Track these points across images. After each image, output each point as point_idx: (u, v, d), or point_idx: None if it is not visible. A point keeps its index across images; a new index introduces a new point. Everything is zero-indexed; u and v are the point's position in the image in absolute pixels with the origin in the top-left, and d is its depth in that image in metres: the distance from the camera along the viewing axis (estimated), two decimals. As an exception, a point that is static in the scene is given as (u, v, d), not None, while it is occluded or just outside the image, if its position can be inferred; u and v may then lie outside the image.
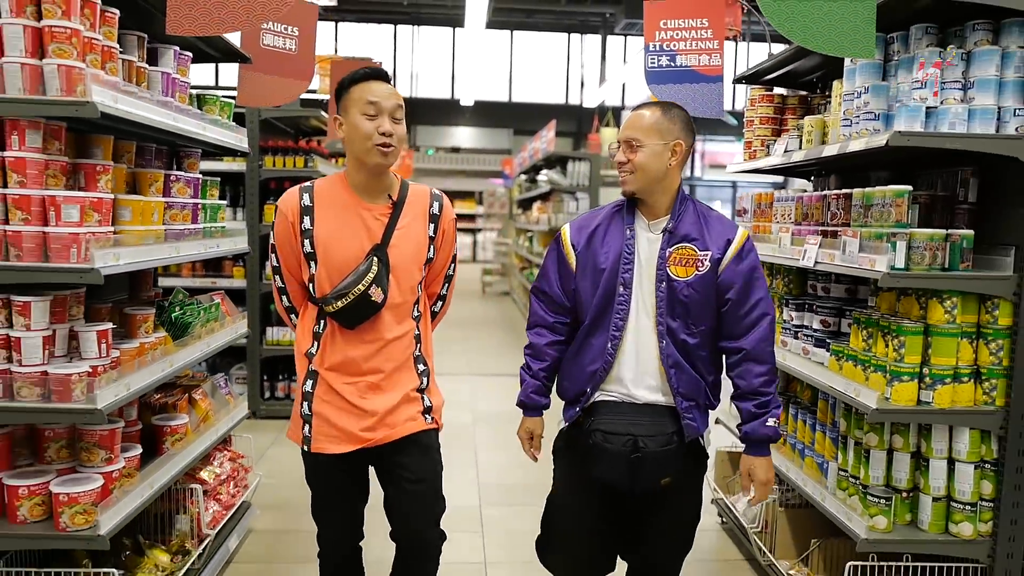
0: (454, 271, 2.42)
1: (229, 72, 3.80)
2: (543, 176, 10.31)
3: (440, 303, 2.43)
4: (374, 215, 2.17)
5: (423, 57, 17.72)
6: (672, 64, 3.78)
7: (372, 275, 2.10)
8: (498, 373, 7.54)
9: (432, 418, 2.28)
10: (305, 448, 2.21)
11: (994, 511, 2.46)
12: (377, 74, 2.14)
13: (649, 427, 2.09)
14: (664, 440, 2.08)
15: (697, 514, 2.28)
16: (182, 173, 2.91)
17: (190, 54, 2.96)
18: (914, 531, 2.52)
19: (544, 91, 18.15)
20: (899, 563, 2.60)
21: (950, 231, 2.42)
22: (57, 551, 2.54)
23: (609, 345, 2.14)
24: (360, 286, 2.08)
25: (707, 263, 2.11)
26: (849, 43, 2.28)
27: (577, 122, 18.23)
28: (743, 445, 2.21)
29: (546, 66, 18.11)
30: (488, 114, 18.10)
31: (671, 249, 2.12)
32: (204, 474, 3.19)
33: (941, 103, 2.39)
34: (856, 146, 2.54)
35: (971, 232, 2.43)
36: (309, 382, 2.20)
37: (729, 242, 2.12)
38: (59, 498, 2.21)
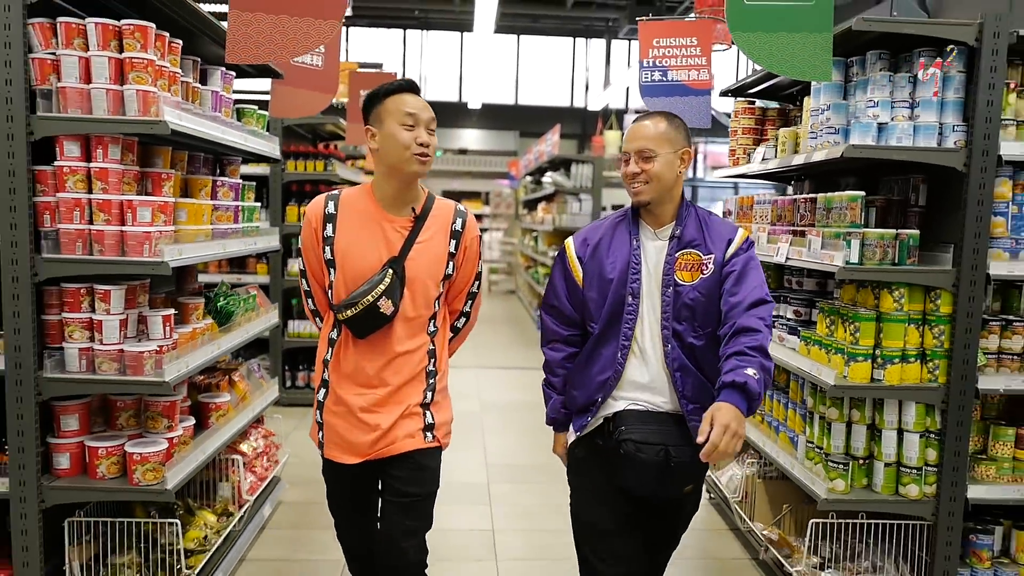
0: (479, 288, 2.40)
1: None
2: (548, 178, 10.68)
3: (463, 320, 2.42)
4: (395, 227, 2.20)
5: (432, 61, 18.14)
6: (664, 79, 4.15)
7: (383, 287, 2.11)
8: (504, 366, 7.92)
9: (434, 436, 2.26)
10: (320, 451, 2.32)
11: (937, 475, 2.82)
12: (412, 87, 2.20)
13: (679, 437, 2.10)
14: (693, 451, 2.01)
15: (697, 506, 2.34)
16: (226, 179, 3.29)
17: (233, 73, 3.35)
18: (868, 493, 2.89)
19: (550, 94, 18.55)
20: (855, 520, 2.97)
21: (899, 231, 2.78)
22: (121, 507, 2.92)
23: (619, 354, 2.16)
24: (370, 297, 2.10)
25: (711, 266, 2.15)
26: (809, 68, 2.62)
27: (582, 125, 18.59)
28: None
29: (551, 70, 18.51)
30: (495, 117, 18.51)
31: (677, 255, 2.15)
32: (243, 447, 3.58)
33: (891, 120, 2.76)
34: (819, 156, 2.91)
35: (917, 232, 2.79)
36: (322, 391, 2.26)
37: (730, 242, 2.18)
38: (133, 457, 2.59)
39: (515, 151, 18.47)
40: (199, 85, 3.00)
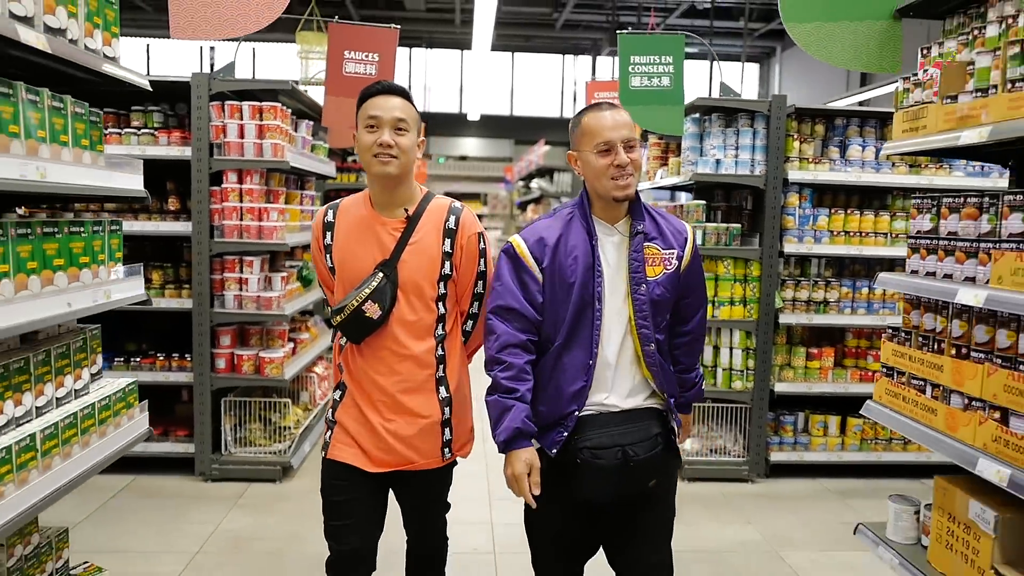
0: (485, 289, 2.26)
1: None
2: (535, 184, 12.47)
3: (471, 322, 2.32)
4: (388, 229, 2.16)
5: (435, 76, 19.93)
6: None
7: (368, 291, 2.08)
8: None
9: (451, 452, 2.23)
10: (323, 454, 2.23)
11: (754, 375, 4.57)
12: (382, 89, 2.15)
13: (636, 434, 2.03)
14: (651, 444, 2.03)
15: (673, 507, 2.22)
16: (306, 192, 5.06)
17: (312, 122, 5.09)
18: (714, 389, 4.64)
19: (541, 106, 20.35)
20: (705, 404, 4.74)
21: (729, 224, 4.53)
22: (252, 391, 4.66)
23: (590, 360, 2.04)
24: (354, 301, 2.08)
25: (674, 261, 2.10)
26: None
27: (569, 133, 20.36)
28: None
29: (543, 84, 20.35)
30: (492, 126, 20.32)
31: (642, 250, 2.08)
32: (316, 368, 5.34)
33: (724, 157, 4.51)
34: (682, 179, 4.67)
35: (738, 225, 4.54)
36: (339, 392, 2.25)
37: (685, 240, 2.16)
38: (264, 360, 4.34)
39: (510, 157, 20.26)
40: (293, 132, 4.75)
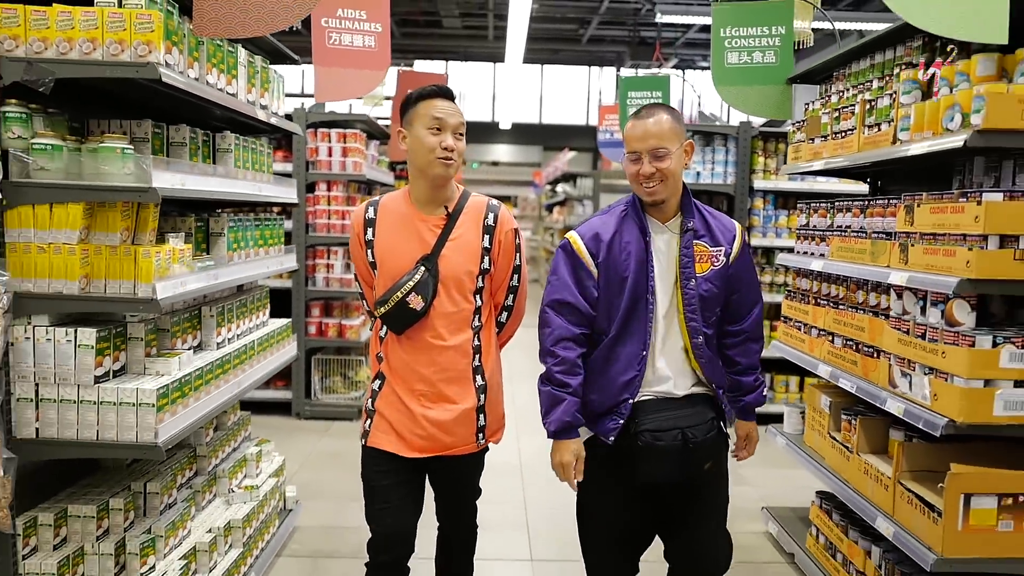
0: (519, 282, 2.38)
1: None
2: (560, 188, 13.71)
3: (506, 314, 2.43)
4: (429, 226, 2.22)
5: (469, 87, 21.29)
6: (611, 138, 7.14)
7: (412, 284, 2.15)
8: (524, 325, 10.95)
9: (484, 438, 2.32)
10: (363, 442, 2.30)
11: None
12: (443, 92, 2.20)
13: (693, 417, 2.11)
14: (708, 427, 2.11)
15: (727, 495, 2.31)
16: (374, 196, 6.38)
17: (378, 141, 6.40)
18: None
19: (568, 114, 21.63)
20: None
21: (707, 223, 5.73)
22: (337, 350, 5.96)
23: (643, 352, 2.12)
24: (399, 293, 2.14)
25: (721, 258, 2.16)
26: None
27: (595, 140, 21.63)
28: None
29: (570, 93, 21.62)
30: (522, 133, 21.63)
31: (692, 247, 2.13)
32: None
33: (703, 170, 5.71)
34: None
35: (715, 223, 5.73)
36: (377, 382, 2.30)
37: (734, 237, 2.21)
38: (345, 326, 5.65)
39: (539, 163, 21.54)
40: (366, 150, 6.05)
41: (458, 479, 2.40)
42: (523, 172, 21.93)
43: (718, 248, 2.18)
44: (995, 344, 2.27)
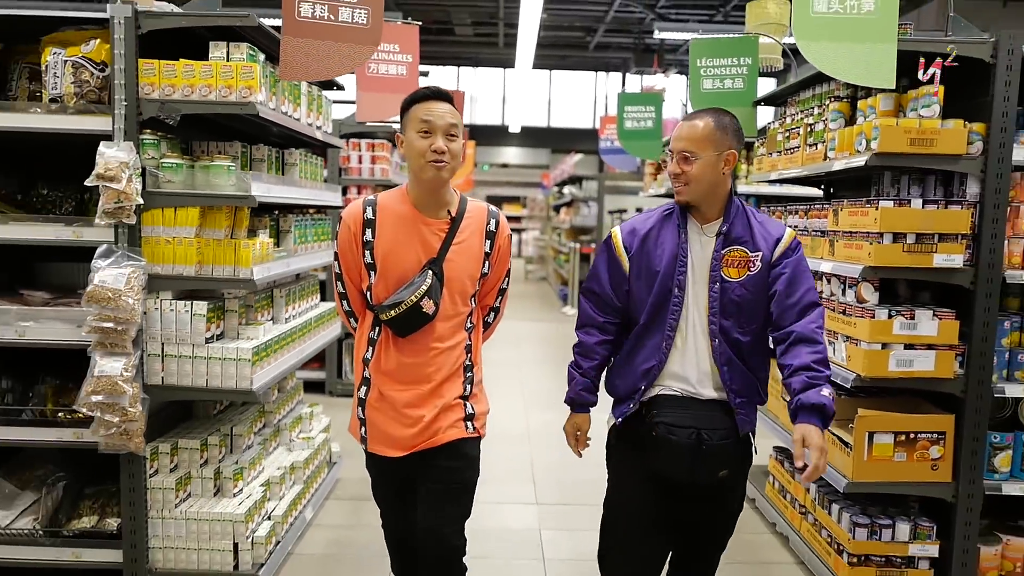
0: (507, 284, 2.45)
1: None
2: (567, 190, 14.42)
3: (493, 315, 2.48)
4: (432, 230, 2.22)
5: (480, 92, 22.03)
6: (612, 145, 7.85)
7: (425, 287, 2.15)
8: (534, 319, 11.65)
9: (473, 426, 2.31)
10: (364, 447, 2.36)
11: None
12: (435, 94, 2.20)
13: (711, 420, 2.13)
14: (725, 433, 2.12)
15: (741, 505, 2.31)
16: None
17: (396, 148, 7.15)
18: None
19: (575, 118, 22.34)
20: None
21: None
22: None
23: (664, 344, 2.18)
24: (413, 297, 2.14)
25: (759, 263, 2.16)
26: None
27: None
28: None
29: (577, 98, 22.33)
30: (531, 136, 22.37)
31: (724, 251, 2.15)
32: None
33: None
34: (663, 190, 6.58)
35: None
36: (363, 388, 2.30)
37: (778, 241, 2.19)
38: (373, 314, 6.37)
39: (547, 165, 22.26)
40: (391, 157, 6.78)
41: (449, 476, 2.30)
42: (532, 174, 22.69)
43: (756, 253, 2.17)
44: (890, 316, 2.96)
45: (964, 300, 3.01)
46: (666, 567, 2.41)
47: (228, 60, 2.89)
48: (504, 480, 4.56)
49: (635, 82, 20.53)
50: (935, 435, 3.02)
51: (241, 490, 3.27)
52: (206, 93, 2.85)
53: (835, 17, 2.85)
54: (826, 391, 2.07)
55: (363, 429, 2.34)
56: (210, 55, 2.90)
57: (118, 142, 2.82)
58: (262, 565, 3.14)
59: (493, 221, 2.33)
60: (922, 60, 2.91)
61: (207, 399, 3.45)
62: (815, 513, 3.47)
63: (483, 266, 2.31)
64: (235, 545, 3.08)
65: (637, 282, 2.24)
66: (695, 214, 2.23)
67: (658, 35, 11.98)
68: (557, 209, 16.69)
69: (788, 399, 2.14)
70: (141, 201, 2.83)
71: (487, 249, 2.31)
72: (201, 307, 2.97)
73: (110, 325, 2.79)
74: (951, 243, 2.91)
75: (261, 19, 2.98)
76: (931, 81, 2.90)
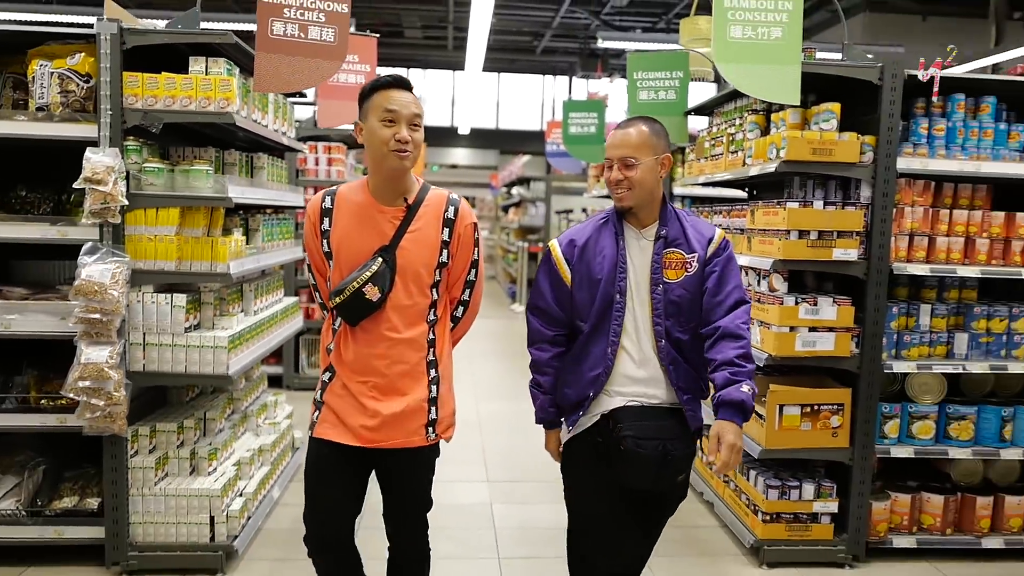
0: (476, 277, 2.39)
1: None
2: (515, 191, 14.82)
3: (462, 308, 2.43)
4: (388, 217, 2.22)
5: (430, 94, 22.29)
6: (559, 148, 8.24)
7: (369, 274, 2.14)
8: (484, 316, 11.99)
9: (435, 432, 2.29)
10: (311, 433, 2.32)
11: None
12: (398, 82, 2.19)
13: (673, 430, 2.21)
14: (686, 443, 2.24)
15: (685, 492, 2.39)
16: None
17: (358, 150, 7.40)
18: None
19: (524, 120, 22.79)
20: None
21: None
22: (315, 339, 6.92)
23: (609, 350, 2.22)
24: (355, 283, 2.13)
25: (695, 264, 2.24)
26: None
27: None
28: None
29: (525, 101, 22.80)
30: (480, 138, 22.74)
31: (663, 254, 2.22)
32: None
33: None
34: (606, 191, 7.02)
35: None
36: (327, 374, 2.30)
37: (710, 241, 2.28)
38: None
39: (496, 166, 22.65)
40: (346, 160, 7.03)
41: (407, 476, 2.34)
42: (481, 175, 23.06)
43: (693, 255, 2.24)
44: (796, 303, 3.40)
45: (859, 289, 3.47)
46: None
47: (207, 74, 3.17)
48: (457, 462, 4.89)
49: (581, 86, 21.08)
50: (835, 407, 3.47)
51: (215, 469, 3.54)
52: (187, 103, 3.12)
53: (748, 42, 3.27)
54: (746, 387, 2.14)
55: (316, 413, 2.31)
56: (190, 69, 3.17)
57: (103, 148, 3.07)
58: (236, 537, 3.41)
59: (452, 208, 2.30)
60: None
61: (186, 384, 3.71)
62: (736, 480, 3.90)
63: (441, 255, 2.27)
64: (211, 519, 3.35)
65: (579, 291, 2.28)
66: (631, 219, 2.28)
67: (601, 43, 12.45)
68: (506, 209, 17.08)
69: (715, 394, 2.23)
70: (126, 202, 3.09)
71: (445, 237, 2.27)
72: (181, 299, 3.23)
73: (97, 316, 3.04)
74: (847, 239, 3.37)
75: (234, 24, 3.26)
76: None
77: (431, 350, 2.30)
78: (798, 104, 3.32)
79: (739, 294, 2.26)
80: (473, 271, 2.40)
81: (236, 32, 3.24)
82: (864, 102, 3.47)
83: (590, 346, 2.26)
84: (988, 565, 3.62)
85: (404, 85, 2.21)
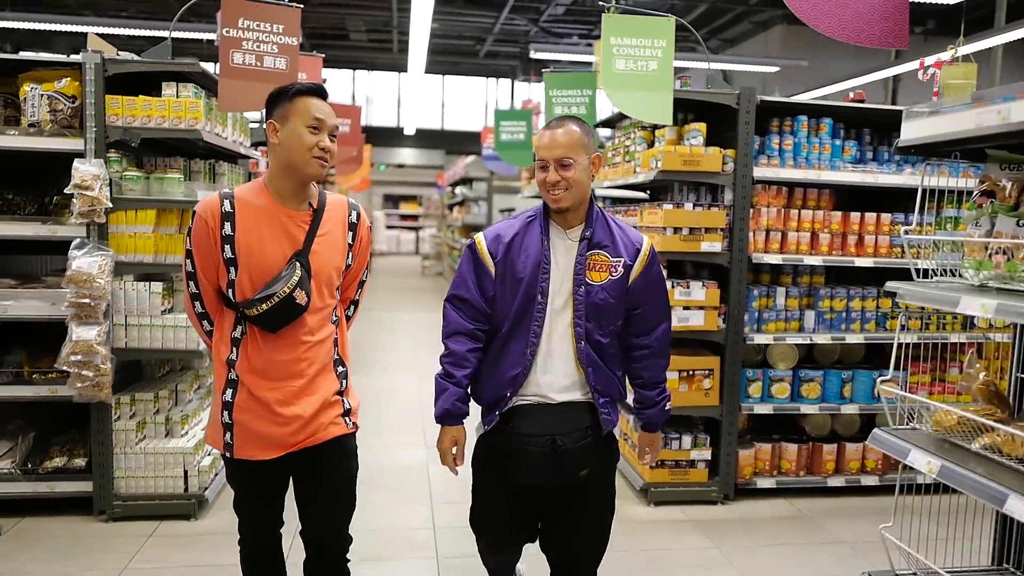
0: (367, 277, 2.48)
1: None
2: (459, 190, 15.50)
3: (353, 308, 2.49)
4: (295, 222, 2.19)
5: (376, 95, 22.80)
6: (493, 153, 8.90)
7: (296, 279, 2.13)
8: (430, 310, 12.63)
9: (352, 421, 2.33)
10: (227, 455, 2.24)
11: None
12: (320, 91, 2.20)
13: (565, 423, 2.18)
14: (580, 435, 2.19)
15: (611, 504, 2.36)
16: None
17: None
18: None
19: (468, 121, 23.46)
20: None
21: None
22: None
23: (528, 350, 2.19)
24: (285, 289, 2.11)
25: (620, 269, 2.22)
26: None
27: (496, 143, 23.58)
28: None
29: (470, 102, 23.47)
30: (426, 138, 23.34)
31: (587, 255, 2.20)
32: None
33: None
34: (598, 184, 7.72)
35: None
36: (229, 391, 2.21)
37: (638, 251, 2.26)
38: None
39: (442, 165, 23.29)
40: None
41: (336, 467, 2.33)
42: (427, 174, 23.68)
43: (618, 259, 2.22)
44: (672, 286, 4.15)
45: (725, 275, 4.25)
46: None
47: (178, 96, 3.76)
48: (397, 431, 5.54)
49: (524, 89, 21.85)
50: (707, 371, 4.24)
51: (187, 432, 4.13)
52: (160, 122, 3.71)
53: (630, 73, 4.01)
54: (667, 405, 2.40)
55: (228, 435, 2.23)
56: (163, 92, 3.77)
57: (89, 159, 3.64)
58: (206, 488, 4.02)
59: (354, 213, 2.34)
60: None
61: (162, 358, 4.29)
62: (630, 435, 4.66)
63: (347, 258, 2.32)
64: (185, 472, 3.95)
65: (501, 288, 2.24)
66: (559, 219, 2.25)
67: (534, 54, 13.19)
68: (451, 208, 17.74)
69: (640, 406, 2.40)
70: (110, 205, 3.67)
71: (349, 241, 2.32)
72: (157, 287, 3.82)
73: (86, 301, 3.61)
74: (713, 234, 4.13)
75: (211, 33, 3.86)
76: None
77: (336, 348, 2.35)
78: (671, 123, 4.08)
79: (666, 312, 2.36)
80: (366, 272, 2.51)
81: (211, 42, 3.85)
82: (727, 122, 4.25)
83: (509, 344, 2.24)
84: (832, 500, 4.44)
85: (325, 95, 2.24)
